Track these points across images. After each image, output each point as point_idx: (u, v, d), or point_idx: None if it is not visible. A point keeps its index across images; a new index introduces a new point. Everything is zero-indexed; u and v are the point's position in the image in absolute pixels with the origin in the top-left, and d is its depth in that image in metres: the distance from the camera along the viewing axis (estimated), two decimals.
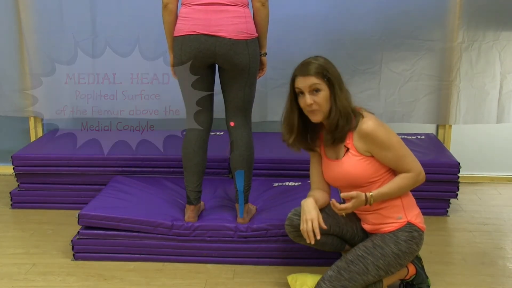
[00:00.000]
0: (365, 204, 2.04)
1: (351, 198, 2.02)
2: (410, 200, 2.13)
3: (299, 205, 2.15)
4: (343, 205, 2.02)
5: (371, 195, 2.02)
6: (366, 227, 2.19)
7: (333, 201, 2.03)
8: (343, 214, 2.06)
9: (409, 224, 2.08)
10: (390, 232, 2.08)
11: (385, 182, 2.06)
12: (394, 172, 2.09)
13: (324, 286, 2.04)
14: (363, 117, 2.04)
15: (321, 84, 2.02)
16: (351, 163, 2.06)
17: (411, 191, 2.14)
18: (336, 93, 2.03)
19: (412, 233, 2.07)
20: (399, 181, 2.04)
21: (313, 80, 2.02)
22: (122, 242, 2.52)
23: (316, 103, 2.03)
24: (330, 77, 2.02)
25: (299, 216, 2.12)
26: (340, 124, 2.03)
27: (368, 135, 2.01)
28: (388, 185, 2.05)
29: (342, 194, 2.04)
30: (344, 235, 2.24)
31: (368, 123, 2.01)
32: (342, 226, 2.21)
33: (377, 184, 2.06)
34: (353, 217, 2.23)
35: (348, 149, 2.07)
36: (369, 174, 2.05)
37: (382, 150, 2.02)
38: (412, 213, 2.10)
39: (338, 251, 2.33)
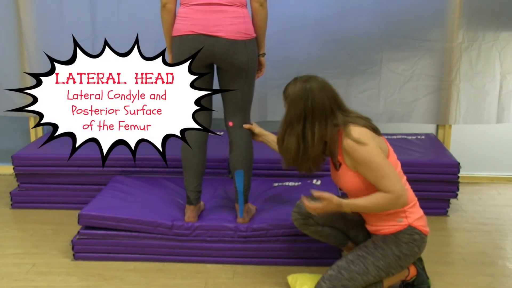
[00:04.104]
0: (340, 210, 2.00)
1: (323, 199, 1.99)
2: (412, 203, 2.11)
3: None
4: (313, 204, 2.01)
5: (346, 203, 1.98)
6: (368, 227, 2.20)
7: (303, 197, 2.04)
8: (316, 214, 2.06)
9: (410, 227, 2.07)
10: (391, 234, 2.08)
11: None
12: None
13: (324, 285, 2.04)
14: (347, 132, 1.98)
15: (285, 104, 2.09)
16: (345, 177, 2.07)
17: (414, 191, 2.14)
18: (282, 122, 2.08)
19: (413, 236, 2.06)
20: (376, 199, 1.96)
21: (282, 97, 2.11)
22: (122, 242, 2.52)
23: None
24: (288, 103, 2.05)
25: None
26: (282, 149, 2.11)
27: (347, 152, 1.99)
28: (366, 199, 1.98)
29: (313, 192, 2.00)
30: (349, 231, 2.25)
31: (347, 141, 1.97)
32: (347, 222, 2.23)
33: None
34: (359, 216, 2.23)
35: (340, 163, 2.07)
36: (364, 187, 2.03)
37: (362, 167, 1.98)
38: (413, 217, 2.08)
39: (341, 246, 2.33)
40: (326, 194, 1.97)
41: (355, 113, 2.09)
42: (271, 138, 2.43)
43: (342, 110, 2.06)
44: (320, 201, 2.00)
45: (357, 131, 1.98)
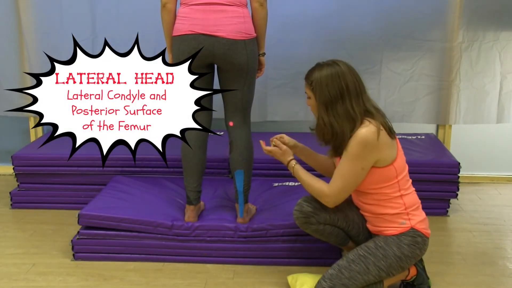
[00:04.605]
0: (286, 165, 2.20)
1: (280, 148, 2.21)
2: (415, 206, 2.11)
3: None
4: (269, 148, 2.24)
5: (293, 165, 2.17)
6: (370, 227, 2.20)
7: (261, 142, 2.26)
8: (267, 153, 2.26)
9: (413, 230, 2.07)
10: (393, 235, 2.08)
11: (388, 197, 2.07)
12: (400, 189, 2.08)
13: (324, 284, 2.04)
14: (368, 123, 2.01)
15: (308, 91, 2.09)
16: None
17: (416, 191, 2.16)
18: (319, 109, 2.06)
19: (416, 238, 2.07)
20: (315, 183, 2.11)
21: (305, 83, 2.11)
22: (122, 242, 2.52)
23: (309, 106, 2.13)
24: (315, 89, 2.04)
25: (309, 202, 2.17)
26: (321, 137, 2.09)
27: (353, 137, 2.01)
28: (309, 176, 2.13)
29: (272, 139, 2.24)
30: (350, 230, 2.24)
31: (364, 128, 1.99)
32: (349, 221, 2.22)
33: (377, 196, 2.08)
34: (360, 216, 2.23)
35: None
36: (367, 181, 2.05)
37: (344, 154, 2.03)
38: (416, 219, 2.08)
39: (342, 246, 2.33)
40: (284, 147, 2.22)
41: (373, 101, 2.14)
42: (304, 148, 2.37)
43: (366, 93, 2.10)
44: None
45: (372, 128, 2.00)
